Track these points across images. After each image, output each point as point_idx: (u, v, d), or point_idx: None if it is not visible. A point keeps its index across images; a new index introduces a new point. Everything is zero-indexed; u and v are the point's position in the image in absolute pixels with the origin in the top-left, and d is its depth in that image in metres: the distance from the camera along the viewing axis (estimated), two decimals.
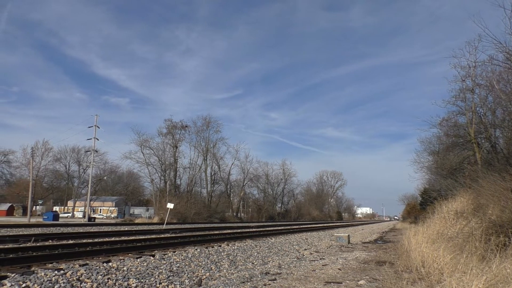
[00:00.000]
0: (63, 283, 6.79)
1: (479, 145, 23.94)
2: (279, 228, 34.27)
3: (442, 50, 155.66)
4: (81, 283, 6.94)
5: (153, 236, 18.30)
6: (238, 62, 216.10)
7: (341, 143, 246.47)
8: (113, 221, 49.68)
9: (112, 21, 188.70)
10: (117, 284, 7.29)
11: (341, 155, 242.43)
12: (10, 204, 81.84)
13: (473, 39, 21.64)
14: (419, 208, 47.81)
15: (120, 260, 9.48)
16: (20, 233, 18.82)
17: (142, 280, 7.75)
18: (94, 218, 55.52)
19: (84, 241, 14.74)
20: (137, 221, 51.45)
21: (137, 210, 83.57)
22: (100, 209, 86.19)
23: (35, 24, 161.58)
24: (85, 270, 7.74)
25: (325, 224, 55.04)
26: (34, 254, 9.68)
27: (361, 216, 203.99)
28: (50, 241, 14.96)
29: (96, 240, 15.58)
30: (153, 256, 10.53)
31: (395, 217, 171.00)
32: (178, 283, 8.03)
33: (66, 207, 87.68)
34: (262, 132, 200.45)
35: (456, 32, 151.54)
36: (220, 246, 14.60)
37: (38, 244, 12.81)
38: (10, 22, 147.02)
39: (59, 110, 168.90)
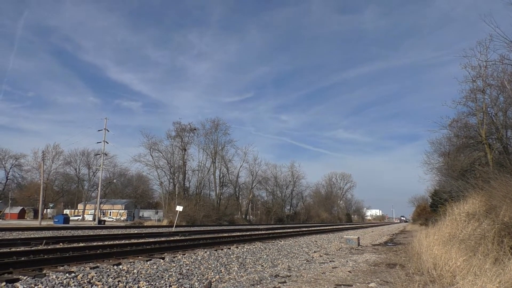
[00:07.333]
0: (74, 285, 6.85)
1: (490, 146, 23.62)
2: (288, 230, 34.15)
3: (454, 52, 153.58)
4: (92, 286, 6.99)
5: (162, 239, 18.36)
6: (249, 65, 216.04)
7: (352, 144, 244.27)
8: (122, 224, 50.06)
9: (127, 27, 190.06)
10: (127, 286, 7.32)
11: (351, 157, 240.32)
12: (22, 207, 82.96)
13: (484, 39, 21.33)
14: (429, 210, 47.28)
15: (130, 262, 9.53)
16: (32, 236, 19.03)
17: (152, 283, 7.78)
18: (104, 221, 55.92)
19: (95, 244, 14.87)
20: (146, 223, 51.67)
21: (146, 213, 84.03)
22: (110, 212, 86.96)
23: (51, 30, 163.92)
24: (96, 273, 7.79)
25: (334, 226, 54.73)
26: (45, 257, 9.76)
27: (370, 218, 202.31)
28: (61, 244, 15.10)
29: (106, 243, 15.68)
30: (163, 258, 10.56)
31: (402, 217, 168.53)
32: (188, 285, 8.04)
33: (76, 210, 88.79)
34: (272, 134, 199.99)
35: (468, 34, 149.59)
36: (230, 248, 14.59)
37: (49, 247, 12.93)
38: (27, 29, 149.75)
39: (73, 114, 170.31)
